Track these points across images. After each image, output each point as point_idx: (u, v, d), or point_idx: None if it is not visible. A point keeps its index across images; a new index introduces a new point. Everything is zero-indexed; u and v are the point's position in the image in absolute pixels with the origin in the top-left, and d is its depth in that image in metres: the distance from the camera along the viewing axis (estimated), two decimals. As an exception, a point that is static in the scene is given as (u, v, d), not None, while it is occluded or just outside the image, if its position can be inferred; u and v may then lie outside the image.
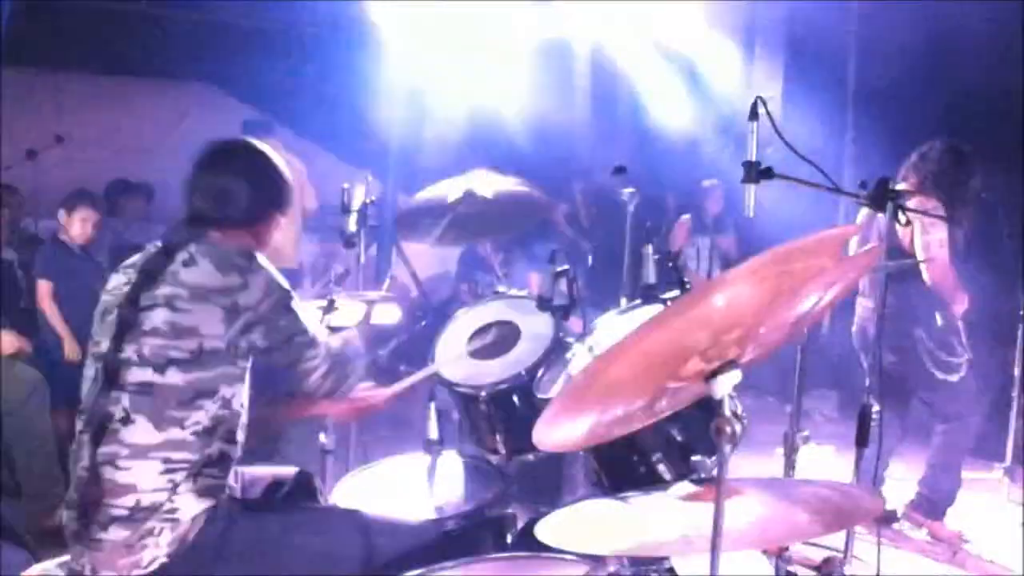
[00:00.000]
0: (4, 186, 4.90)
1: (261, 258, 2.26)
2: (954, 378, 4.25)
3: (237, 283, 2.18)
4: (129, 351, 2.16)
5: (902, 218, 2.74)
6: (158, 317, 2.15)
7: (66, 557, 2.24)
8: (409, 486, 2.79)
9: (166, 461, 2.12)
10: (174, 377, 2.13)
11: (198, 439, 2.15)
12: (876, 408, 2.74)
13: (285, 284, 2.27)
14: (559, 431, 1.61)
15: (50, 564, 2.32)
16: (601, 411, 1.60)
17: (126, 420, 2.13)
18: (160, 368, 2.13)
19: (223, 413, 2.19)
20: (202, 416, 2.15)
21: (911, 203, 3.85)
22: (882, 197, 2.65)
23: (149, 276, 2.21)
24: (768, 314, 1.50)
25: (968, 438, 4.41)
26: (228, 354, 2.17)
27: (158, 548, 2.10)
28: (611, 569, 1.70)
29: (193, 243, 2.24)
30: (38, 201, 5.28)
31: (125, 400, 2.14)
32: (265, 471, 2.53)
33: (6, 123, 4.88)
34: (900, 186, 3.99)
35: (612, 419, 1.63)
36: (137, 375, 2.14)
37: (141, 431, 2.13)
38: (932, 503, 4.42)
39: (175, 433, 2.13)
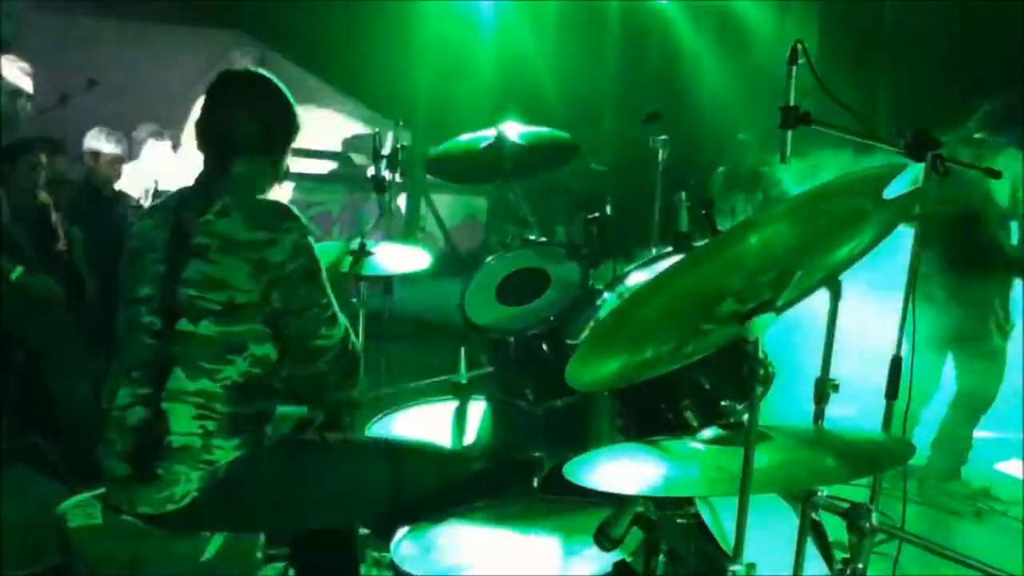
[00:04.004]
0: (45, 138, 4.91)
1: (296, 219, 2.22)
2: (1005, 343, 4.25)
3: (266, 239, 2.17)
4: (164, 299, 2.18)
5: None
6: (191, 267, 2.16)
7: (102, 490, 2.29)
8: (438, 429, 2.82)
9: (199, 407, 2.15)
10: (207, 329, 2.15)
11: (230, 393, 2.16)
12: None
13: (315, 253, 2.24)
14: (590, 370, 1.61)
15: (86, 496, 2.37)
16: (632, 352, 1.60)
17: (160, 366, 2.16)
18: (194, 318, 2.15)
19: (255, 371, 2.19)
20: (232, 372, 2.16)
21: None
22: (920, 147, 2.58)
23: (182, 224, 2.22)
24: (805, 256, 1.48)
25: (988, 403, 4.40)
26: (259, 310, 2.17)
27: (190, 483, 2.14)
28: (638, 510, 1.71)
29: (228, 193, 2.24)
30: (70, 146, 5.31)
31: (160, 346, 2.17)
32: (294, 410, 2.56)
33: (40, 68, 4.87)
34: (977, 136, 3.95)
35: (642, 360, 1.63)
36: (171, 324, 2.16)
37: (175, 377, 2.15)
38: (943, 466, 4.42)
39: (206, 384, 2.15)
